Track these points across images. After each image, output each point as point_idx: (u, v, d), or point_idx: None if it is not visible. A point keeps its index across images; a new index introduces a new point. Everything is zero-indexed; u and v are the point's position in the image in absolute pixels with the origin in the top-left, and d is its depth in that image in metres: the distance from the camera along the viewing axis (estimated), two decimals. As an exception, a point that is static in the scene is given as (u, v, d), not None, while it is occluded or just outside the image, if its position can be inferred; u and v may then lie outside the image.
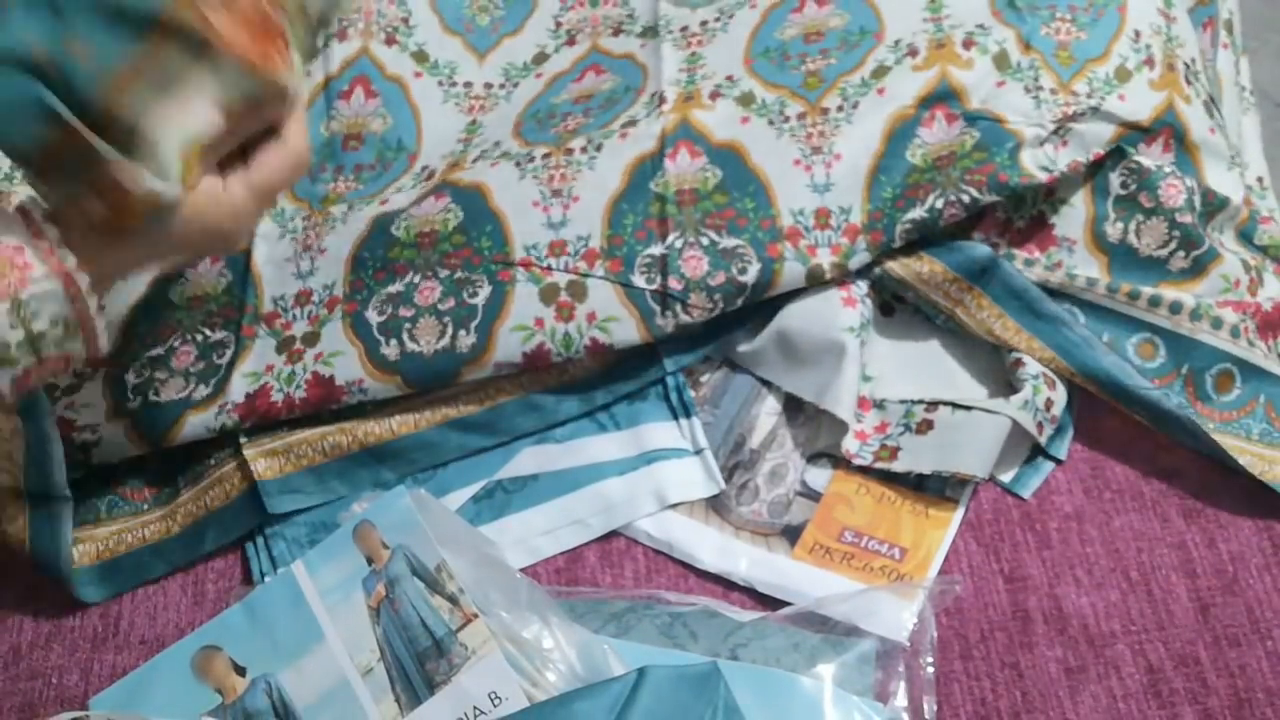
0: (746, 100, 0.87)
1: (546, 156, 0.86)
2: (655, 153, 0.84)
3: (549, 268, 0.81)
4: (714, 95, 0.88)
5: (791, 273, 0.80)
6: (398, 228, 0.84)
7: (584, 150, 0.86)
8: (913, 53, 0.86)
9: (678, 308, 0.79)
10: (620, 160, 0.84)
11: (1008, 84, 0.83)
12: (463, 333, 0.80)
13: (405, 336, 0.80)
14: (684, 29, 0.94)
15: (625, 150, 0.85)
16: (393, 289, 0.82)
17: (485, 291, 0.81)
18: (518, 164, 0.86)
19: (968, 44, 0.85)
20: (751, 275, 0.79)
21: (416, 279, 0.82)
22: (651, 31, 0.95)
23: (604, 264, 0.81)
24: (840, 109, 0.85)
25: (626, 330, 0.80)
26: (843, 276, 0.81)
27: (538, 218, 0.83)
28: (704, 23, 0.94)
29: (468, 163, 0.89)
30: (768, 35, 0.91)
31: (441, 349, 0.79)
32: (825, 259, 0.80)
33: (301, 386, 0.80)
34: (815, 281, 0.81)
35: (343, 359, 0.81)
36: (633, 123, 0.87)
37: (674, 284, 0.79)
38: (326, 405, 0.80)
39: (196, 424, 0.80)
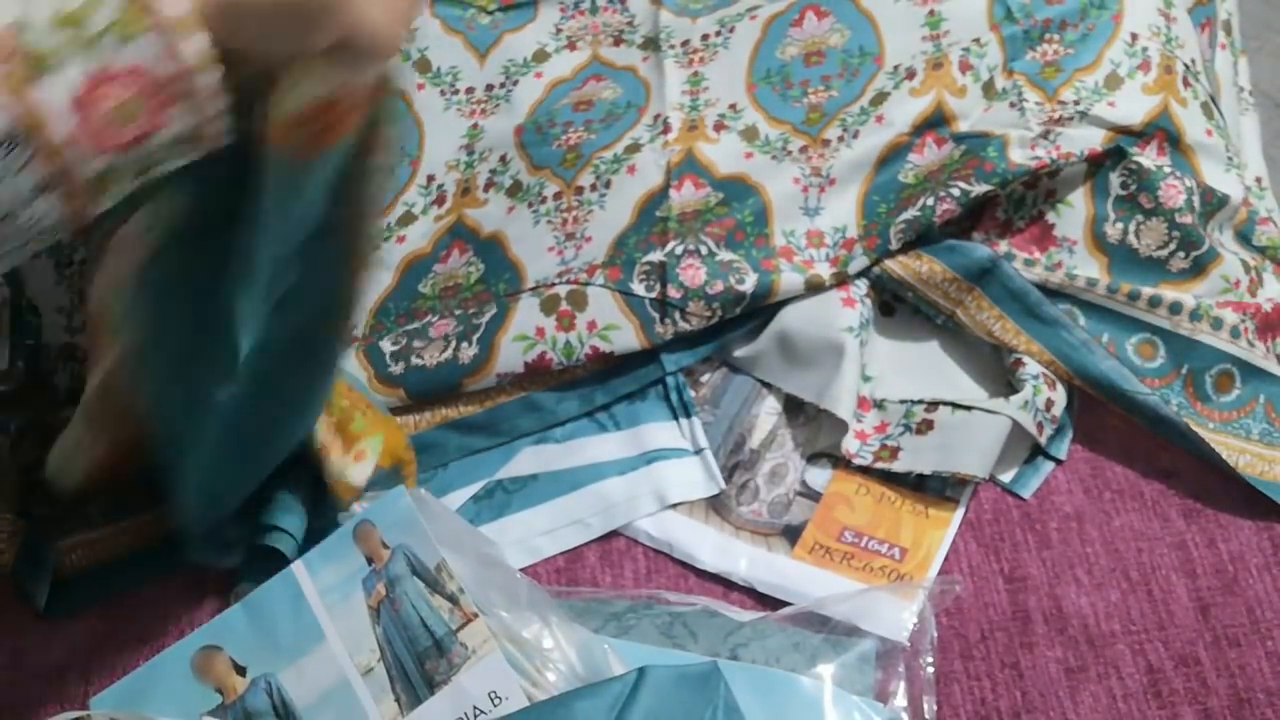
0: (750, 135, 0.89)
1: (558, 197, 0.87)
2: (662, 188, 0.86)
3: (552, 284, 0.82)
4: (718, 127, 0.89)
5: (790, 282, 0.81)
6: (425, 285, 0.87)
7: (594, 188, 0.87)
8: (910, 75, 0.87)
9: (676, 315, 0.80)
10: (629, 198, 0.86)
11: (994, 107, 0.85)
12: (465, 345, 0.80)
13: (412, 357, 0.81)
14: (685, 43, 0.95)
15: (633, 187, 0.87)
16: (411, 328, 0.84)
17: (491, 312, 0.82)
18: (530, 205, 0.88)
19: (964, 66, 0.86)
20: (749, 285, 0.80)
21: (434, 319, 0.84)
22: (653, 43, 0.96)
23: (604, 273, 0.81)
24: (841, 138, 0.87)
25: (626, 338, 0.80)
26: (842, 283, 0.82)
27: (552, 261, 0.85)
28: (705, 37, 0.95)
29: (478, 189, 0.91)
30: (769, 55, 0.92)
31: (444, 361, 0.80)
32: (824, 270, 0.81)
33: None
34: (815, 289, 0.81)
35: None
36: (636, 147, 0.89)
37: (673, 293, 0.80)
38: None
39: None
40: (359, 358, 0.81)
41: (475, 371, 0.80)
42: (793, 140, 0.88)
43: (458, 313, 0.84)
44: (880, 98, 0.87)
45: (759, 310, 0.82)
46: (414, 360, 0.81)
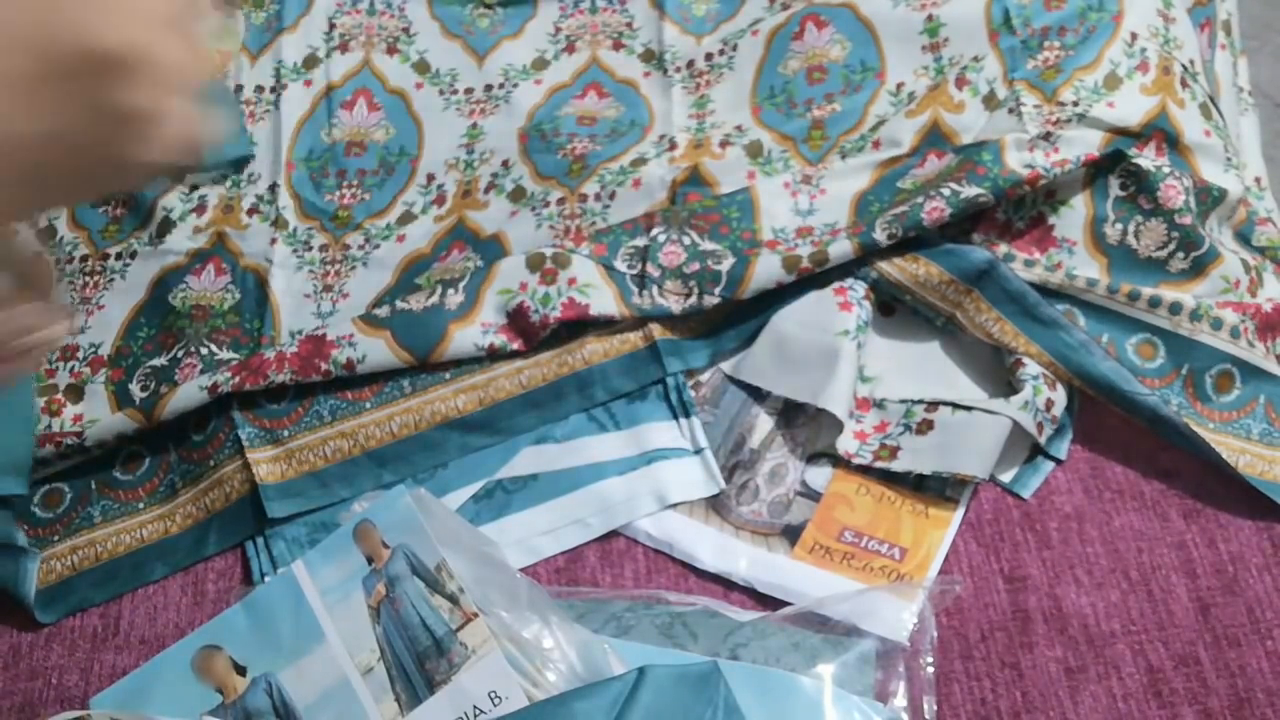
0: (754, 151, 0.90)
1: (561, 202, 0.89)
2: (666, 202, 0.88)
3: (540, 250, 0.85)
4: (724, 144, 0.91)
5: (767, 263, 0.81)
6: (424, 279, 0.88)
7: (598, 198, 0.89)
8: (909, 98, 0.88)
9: (654, 289, 0.82)
10: (634, 211, 0.87)
11: (994, 116, 0.85)
12: (451, 291, 0.83)
13: (398, 302, 0.83)
14: (690, 65, 0.96)
15: (638, 201, 0.88)
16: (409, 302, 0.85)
17: (477, 267, 0.85)
18: (534, 210, 0.89)
19: (960, 82, 0.86)
20: (726, 265, 0.82)
21: (424, 291, 0.86)
22: (654, 58, 0.97)
23: (590, 246, 0.84)
24: (843, 159, 0.88)
25: (603, 299, 0.82)
26: (821, 266, 0.81)
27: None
28: (709, 57, 0.96)
29: (479, 191, 0.92)
30: (771, 72, 0.94)
31: (431, 306, 0.82)
32: (804, 251, 0.82)
33: (294, 344, 0.82)
34: (792, 269, 0.81)
35: (338, 320, 0.83)
36: (643, 160, 0.90)
37: (651, 270, 0.82)
38: (316, 360, 0.81)
39: (189, 388, 0.81)
40: (356, 322, 0.83)
41: (460, 318, 0.82)
42: (793, 162, 0.89)
43: (445, 278, 0.85)
44: (879, 125, 0.88)
45: (755, 314, 0.82)
46: (399, 304, 0.83)
